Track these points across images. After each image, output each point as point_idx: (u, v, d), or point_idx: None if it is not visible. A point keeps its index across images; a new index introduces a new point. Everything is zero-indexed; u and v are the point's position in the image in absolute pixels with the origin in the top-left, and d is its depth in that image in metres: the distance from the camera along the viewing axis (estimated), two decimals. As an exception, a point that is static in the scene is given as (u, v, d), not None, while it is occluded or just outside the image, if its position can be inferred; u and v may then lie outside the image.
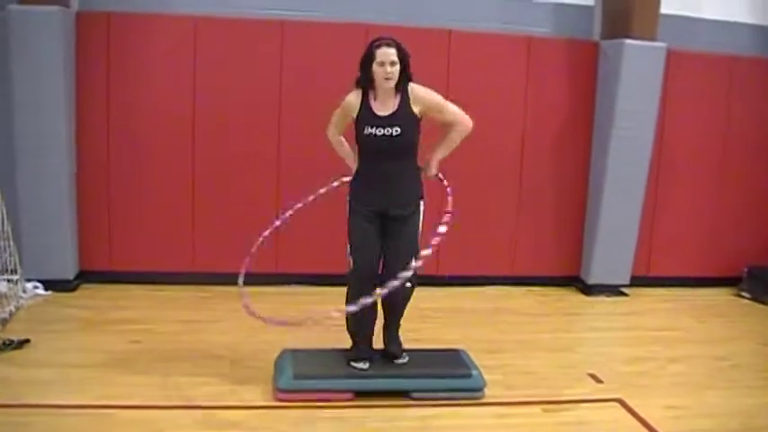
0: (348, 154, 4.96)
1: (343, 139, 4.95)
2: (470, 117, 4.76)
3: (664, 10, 7.23)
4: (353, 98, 4.71)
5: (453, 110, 4.73)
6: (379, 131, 4.60)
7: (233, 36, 6.87)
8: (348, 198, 4.85)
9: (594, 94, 7.47)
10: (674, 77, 7.41)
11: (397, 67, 4.55)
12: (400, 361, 4.97)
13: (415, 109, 4.65)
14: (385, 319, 4.98)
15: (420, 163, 4.85)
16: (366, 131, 4.64)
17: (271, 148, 6.99)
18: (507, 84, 7.32)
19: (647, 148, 7.37)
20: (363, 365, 4.87)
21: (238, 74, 6.90)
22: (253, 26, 6.88)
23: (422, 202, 4.83)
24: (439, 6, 7.27)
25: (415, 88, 4.67)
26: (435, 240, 4.32)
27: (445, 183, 4.81)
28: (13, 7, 6.28)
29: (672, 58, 7.28)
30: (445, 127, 4.77)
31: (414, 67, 4.70)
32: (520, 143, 7.43)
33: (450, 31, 7.13)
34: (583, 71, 7.43)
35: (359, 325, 4.92)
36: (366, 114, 4.65)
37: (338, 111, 4.82)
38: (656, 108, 7.30)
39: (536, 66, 7.33)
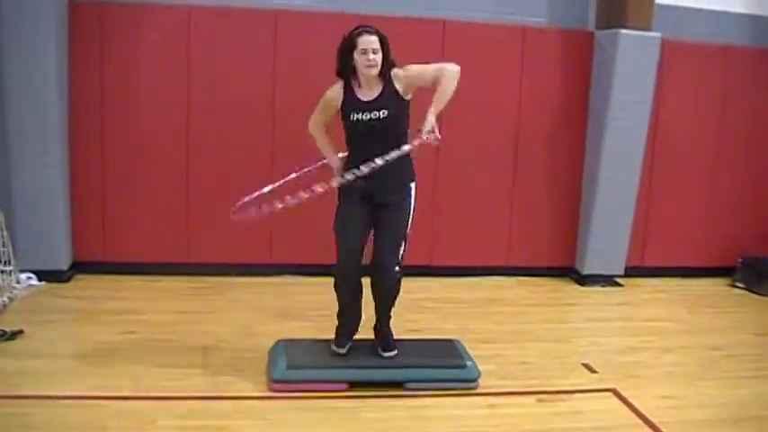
0: (325, 146, 4.89)
1: (324, 131, 4.88)
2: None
3: (659, 0, 7.22)
4: (335, 92, 4.71)
5: (435, 65, 4.61)
6: (366, 116, 4.60)
7: (227, 26, 6.84)
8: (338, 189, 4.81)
9: (589, 84, 7.45)
10: (669, 67, 7.41)
11: (380, 54, 4.56)
12: (387, 354, 4.95)
13: (399, 87, 4.62)
14: (376, 311, 4.97)
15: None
16: (353, 117, 4.63)
17: (265, 138, 6.96)
18: (502, 74, 7.30)
19: (641, 139, 7.37)
20: (341, 350, 4.93)
21: (232, 63, 6.87)
22: (246, 16, 6.85)
23: (413, 186, 4.81)
24: (434, -4, 7.27)
25: (396, 71, 4.66)
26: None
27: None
28: (6, -4, 6.25)
29: (667, 47, 7.27)
30: (435, 86, 4.60)
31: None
32: (514, 133, 7.42)
33: (444, 21, 7.11)
34: (578, 61, 7.42)
35: (343, 314, 4.97)
36: (351, 101, 4.64)
37: (320, 103, 4.81)
38: (650, 98, 7.30)
39: (531, 56, 7.32)
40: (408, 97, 4.67)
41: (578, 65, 7.42)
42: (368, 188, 4.66)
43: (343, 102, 4.68)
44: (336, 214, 4.84)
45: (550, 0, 7.51)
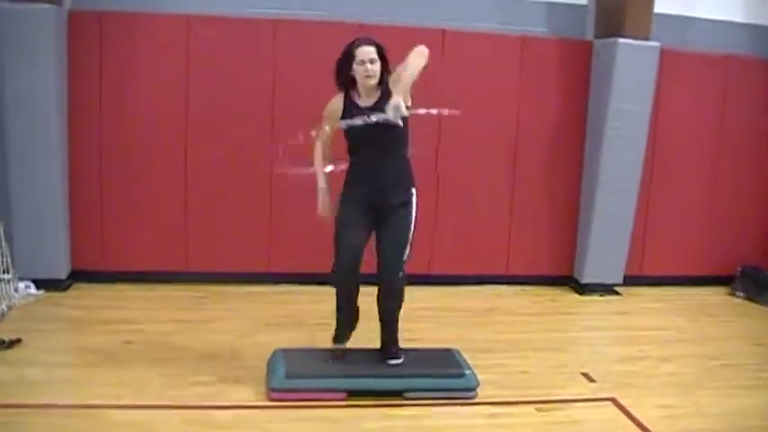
0: (318, 157, 4.90)
1: (327, 143, 4.90)
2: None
3: (657, 9, 7.24)
4: (335, 103, 4.79)
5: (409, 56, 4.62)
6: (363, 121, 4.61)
7: (225, 35, 6.84)
8: (340, 196, 4.83)
9: (588, 94, 7.46)
10: (668, 77, 7.41)
11: (378, 64, 4.61)
12: (394, 362, 4.94)
13: (394, 92, 4.58)
14: (381, 319, 4.95)
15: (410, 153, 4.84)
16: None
17: (264, 147, 6.95)
18: (501, 83, 7.31)
19: (640, 148, 7.37)
20: (339, 345, 4.95)
21: (231, 73, 6.87)
22: (245, 25, 6.86)
23: (414, 192, 4.82)
24: (433, 5, 7.26)
25: (391, 77, 4.68)
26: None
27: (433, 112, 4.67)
28: (4, 5, 6.24)
29: (665, 57, 7.27)
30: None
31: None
32: (513, 142, 7.43)
33: (444, 31, 7.11)
34: (576, 70, 7.42)
35: (339, 311, 4.95)
36: (350, 108, 4.70)
37: (323, 117, 4.85)
38: (649, 107, 7.30)
39: (530, 65, 7.33)
40: (407, 108, 4.55)
41: (577, 74, 7.43)
42: (369, 193, 4.71)
43: (343, 110, 4.73)
44: (337, 219, 4.84)
45: (549, 9, 7.53)
